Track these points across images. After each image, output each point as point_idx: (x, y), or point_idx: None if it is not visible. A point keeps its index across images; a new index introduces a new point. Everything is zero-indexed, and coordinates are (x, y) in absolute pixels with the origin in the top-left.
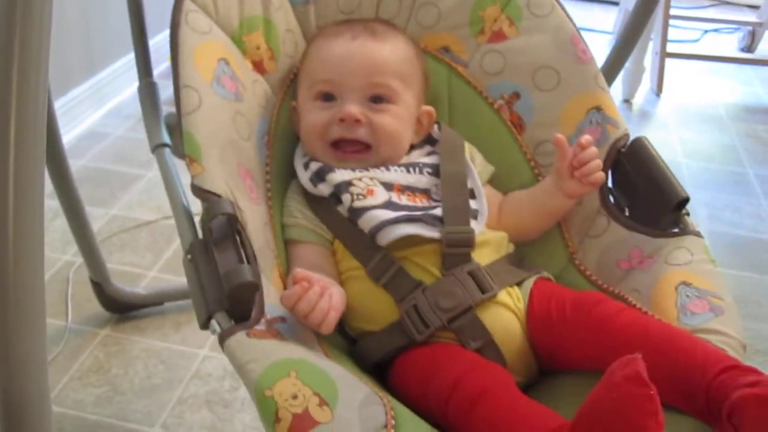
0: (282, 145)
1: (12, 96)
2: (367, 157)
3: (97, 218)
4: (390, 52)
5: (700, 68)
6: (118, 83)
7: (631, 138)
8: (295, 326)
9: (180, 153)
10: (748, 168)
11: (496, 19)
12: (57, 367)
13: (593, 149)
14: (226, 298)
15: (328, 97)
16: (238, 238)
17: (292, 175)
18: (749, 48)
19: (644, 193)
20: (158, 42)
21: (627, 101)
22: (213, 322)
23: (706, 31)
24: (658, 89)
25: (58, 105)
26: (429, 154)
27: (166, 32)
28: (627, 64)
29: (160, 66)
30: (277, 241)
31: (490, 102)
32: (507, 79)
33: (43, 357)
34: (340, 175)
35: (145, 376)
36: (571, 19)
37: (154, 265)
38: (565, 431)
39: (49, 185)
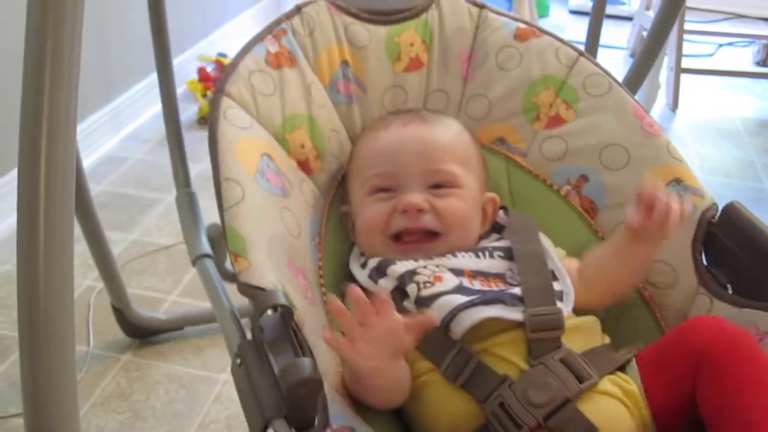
0: (334, 249)
1: (43, 125)
2: (434, 246)
3: (117, 243)
4: (445, 136)
5: (715, 83)
6: (135, 108)
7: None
8: None
9: (224, 273)
10: (767, 183)
11: (552, 104)
12: (79, 393)
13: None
14: (285, 401)
15: (385, 191)
16: (293, 335)
17: (347, 281)
18: (764, 62)
19: (749, 264)
20: (178, 64)
21: None
22: None
23: (720, 45)
24: (674, 105)
25: (77, 131)
26: (498, 240)
27: (185, 54)
28: None
29: (179, 89)
30: None
31: (555, 189)
32: (571, 164)
33: (73, 387)
34: (402, 266)
35: (166, 402)
36: (631, 95)
37: (174, 289)
38: None
39: None
